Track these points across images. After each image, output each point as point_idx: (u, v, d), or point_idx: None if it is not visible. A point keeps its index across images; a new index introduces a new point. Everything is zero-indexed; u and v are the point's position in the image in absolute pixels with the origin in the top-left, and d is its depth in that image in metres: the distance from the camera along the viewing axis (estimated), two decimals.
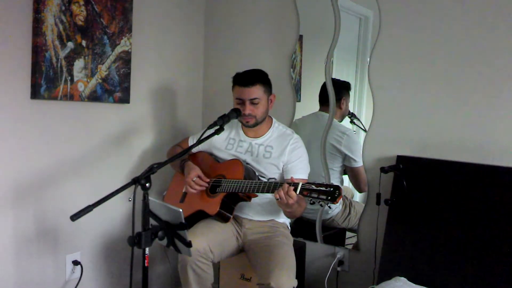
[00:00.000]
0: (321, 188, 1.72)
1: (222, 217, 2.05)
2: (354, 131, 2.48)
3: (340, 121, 2.47)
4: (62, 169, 2.14)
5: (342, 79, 2.47)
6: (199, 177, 2.07)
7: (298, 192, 1.75)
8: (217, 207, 2.02)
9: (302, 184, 1.76)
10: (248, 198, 2.06)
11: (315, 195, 1.72)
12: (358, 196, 2.50)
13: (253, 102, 2.05)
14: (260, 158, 2.12)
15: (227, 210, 2.05)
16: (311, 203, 1.78)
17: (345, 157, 2.45)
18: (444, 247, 1.95)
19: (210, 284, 2.05)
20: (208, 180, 2.08)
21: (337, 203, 1.70)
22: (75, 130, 2.18)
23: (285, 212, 1.99)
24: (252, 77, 2.07)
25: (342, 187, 1.74)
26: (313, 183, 1.75)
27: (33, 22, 1.94)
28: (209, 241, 1.98)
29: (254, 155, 2.13)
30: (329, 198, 1.69)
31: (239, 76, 2.10)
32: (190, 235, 1.94)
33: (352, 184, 2.47)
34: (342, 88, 2.44)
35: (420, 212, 2.06)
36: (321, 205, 1.74)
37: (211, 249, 1.97)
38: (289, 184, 1.79)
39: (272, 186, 1.86)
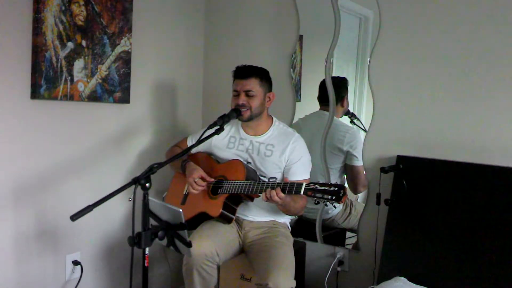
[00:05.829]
0: (325, 188, 1.72)
1: (224, 219, 2.04)
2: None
3: (341, 117, 2.47)
4: (62, 169, 2.14)
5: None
6: (202, 177, 2.06)
7: (302, 192, 1.76)
8: (220, 209, 2.01)
9: (306, 185, 1.76)
10: (250, 198, 2.06)
11: (320, 195, 1.72)
12: (360, 196, 2.49)
13: (248, 94, 2.06)
14: (261, 157, 2.12)
15: (230, 211, 2.04)
16: (315, 203, 1.78)
17: (347, 155, 2.45)
18: (444, 247, 1.95)
19: (214, 286, 2.05)
20: (212, 179, 2.08)
21: (342, 202, 1.71)
22: (75, 130, 2.18)
23: (279, 207, 1.96)
24: (248, 70, 2.10)
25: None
26: (317, 183, 1.75)
27: (33, 22, 1.93)
28: (216, 244, 1.98)
29: (255, 153, 2.13)
30: (334, 197, 1.70)
31: (237, 69, 2.13)
32: (196, 238, 1.96)
33: (349, 184, 2.46)
34: (341, 86, 2.45)
35: (420, 212, 2.06)
36: (326, 204, 1.75)
37: (217, 252, 1.97)
38: (292, 185, 1.79)
39: (276, 187, 1.86)
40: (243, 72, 2.09)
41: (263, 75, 2.12)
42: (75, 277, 2.24)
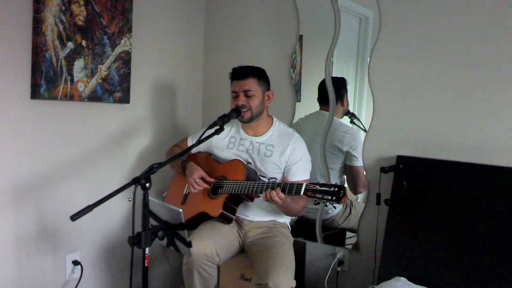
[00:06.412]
0: (325, 188, 1.72)
1: (225, 219, 2.04)
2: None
3: (341, 117, 2.47)
4: (62, 169, 2.14)
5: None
6: (202, 177, 2.06)
7: (302, 193, 1.76)
8: (220, 209, 2.01)
9: (306, 185, 1.76)
10: (250, 198, 2.06)
11: (320, 196, 1.72)
12: (360, 196, 2.49)
13: (246, 94, 2.07)
14: (262, 157, 2.12)
15: (230, 211, 2.04)
16: (316, 203, 1.78)
17: (347, 155, 2.45)
18: (444, 247, 1.95)
19: (214, 286, 2.05)
20: (212, 180, 2.08)
21: (342, 203, 1.71)
22: (75, 130, 2.18)
23: (279, 208, 1.96)
24: (245, 70, 2.10)
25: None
26: (317, 184, 1.75)
27: (33, 22, 1.94)
28: (216, 244, 1.98)
29: (255, 153, 2.13)
30: (334, 198, 1.70)
31: (234, 71, 2.14)
32: (197, 238, 1.96)
33: (349, 184, 2.46)
34: (340, 85, 2.45)
35: (420, 212, 2.06)
36: (326, 205, 1.75)
37: (217, 252, 1.97)
38: (292, 185, 1.79)
39: (276, 187, 1.86)
40: (240, 73, 2.10)
41: (260, 74, 2.12)
42: (75, 277, 2.24)
